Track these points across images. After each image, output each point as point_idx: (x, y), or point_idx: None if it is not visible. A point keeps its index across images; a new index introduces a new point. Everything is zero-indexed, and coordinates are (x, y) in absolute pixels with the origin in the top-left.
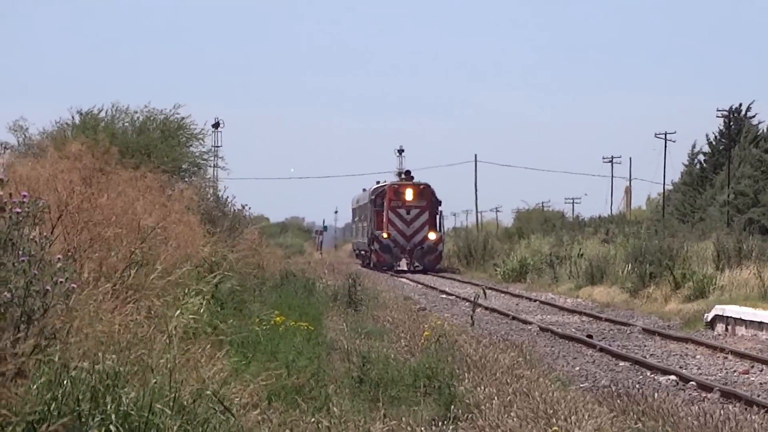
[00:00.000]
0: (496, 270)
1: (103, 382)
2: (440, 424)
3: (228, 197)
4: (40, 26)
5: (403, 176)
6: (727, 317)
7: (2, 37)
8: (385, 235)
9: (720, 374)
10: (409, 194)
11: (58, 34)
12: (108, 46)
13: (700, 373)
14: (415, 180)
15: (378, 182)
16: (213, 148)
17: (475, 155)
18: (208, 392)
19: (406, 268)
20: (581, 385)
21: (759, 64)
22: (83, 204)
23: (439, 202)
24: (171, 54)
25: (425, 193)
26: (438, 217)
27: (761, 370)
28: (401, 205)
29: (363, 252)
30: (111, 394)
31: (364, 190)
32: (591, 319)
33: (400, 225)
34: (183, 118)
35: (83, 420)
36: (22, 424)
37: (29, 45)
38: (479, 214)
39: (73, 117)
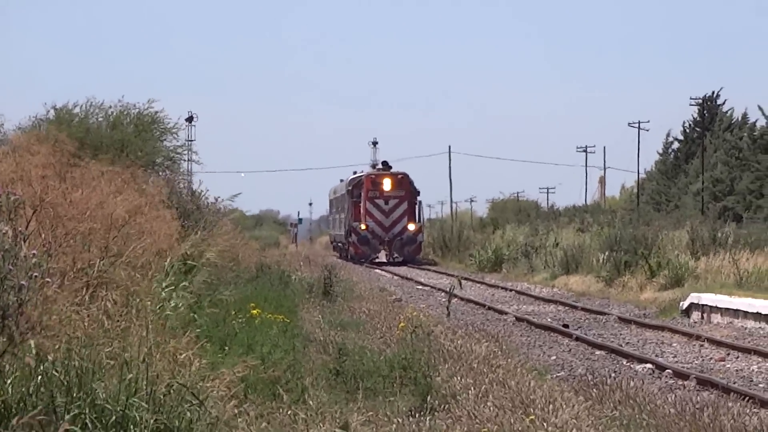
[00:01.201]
0: (471, 260)
1: (77, 376)
2: (417, 414)
3: (202, 190)
4: (15, 22)
5: (380, 166)
6: (703, 305)
7: None
8: (363, 227)
9: (696, 362)
10: (387, 184)
11: (33, 29)
12: (83, 41)
13: (677, 361)
14: (393, 170)
15: (355, 172)
16: (187, 142)
17: (449, 146)
18: (178, 383)
19: (385, 260)
20: (558, 375)
21: (731, 52)
22: (58, 199)
23: (418, 192)
24: (145, 48)
25: (403, 182)
26: (417, 207)
27: (737, 358)
28: (379, 196)
29: (340, 244)
30: (85, 388)
31: (341, 180)
32: (567, 308)
33: (379, 216)
34: (157, 113)
35: (58, 414)
36: None
37: (5, 40)
38: (454, 205)
39: (47, 112)
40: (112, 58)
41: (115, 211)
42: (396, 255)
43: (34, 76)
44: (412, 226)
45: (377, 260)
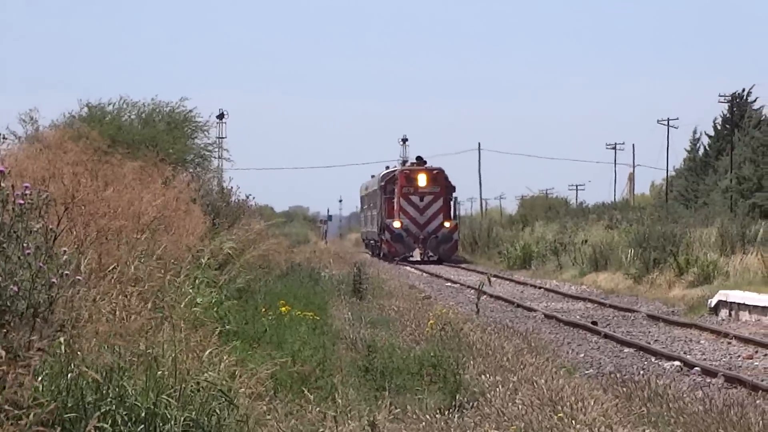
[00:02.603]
0: (500, 258)
1: (107, 373)
2: (446, 412)
3: (232, 188)
4: (52, 20)
5: (414, 161)
6: (731, 302)
7: (22, 30)
8: (396, 224)
9: (724, 359)
10: (422, 180)
11: (69, 27)
12: (115, 38)
13: (705, 359)
14: (428, 165)
15: (387, 167)
16: (218, 140)
17: (479, 143)
18: (206, 380)
19: (419, 259)
20: (586, 372)
21: (762, 48)
22: (89, 196)
23: (454, 188)
24: (176, 44)
25: (439, 178)
26: (453, 203)
27: (765, 355)
28: (414, 192)
29: (373, 242)
30: (115, 385)
31: (373, 176)
32: (595, 305)
33: (413, 213)
34: (189, 111)
35: (88, 412)
36: (28, 416)
37: (43, 38)
38: (483, 202)
39: (81, 109)
40: (145, 55)
41: (143, 207)
42: (431, 253)
43: (70, 73)
44: (447, 224)
45: (411, 259)
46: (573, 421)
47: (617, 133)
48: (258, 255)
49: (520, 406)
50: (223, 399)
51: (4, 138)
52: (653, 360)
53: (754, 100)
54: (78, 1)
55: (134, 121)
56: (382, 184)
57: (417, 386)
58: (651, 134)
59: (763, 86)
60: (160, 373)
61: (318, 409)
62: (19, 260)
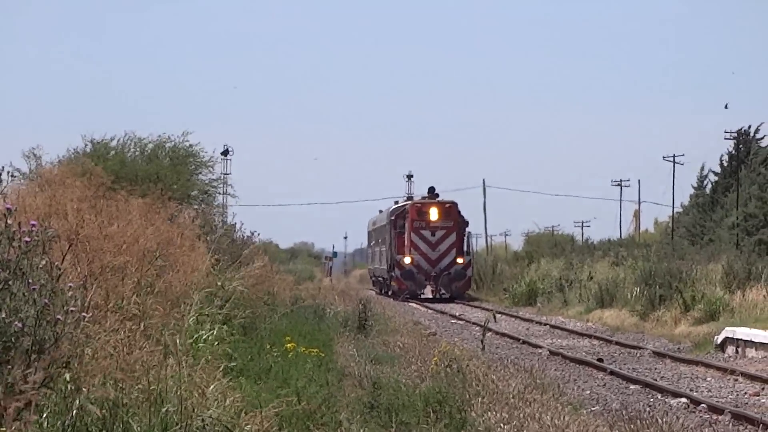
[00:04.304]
0: (506, 294)
1: (112, 410)
2: None
3: (237, 224)
4: (60, 59)
5: (424, 195)
6: (737, 339)
7: (25, 64)
8: (407, 260)
9: (731, 396)
10: (433, 213)
11: (76, 64)
12: (121, 73)
13: (711, 396)
14: (440, 198)
15: (397, 202)
16: (222, 176)
17: (483, 180)
18: (212, 417)
19: (431, 296)
20: (592, 409)
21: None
22: (93, 232)
23: (467, 223)
24: (181, 82)
25: (452, 212)
26: (466, 238)
27: None
28: (425, 226)
29: (381, 279)
30: (121, 422)
31: (381, 211)
32: (601, 342)
33: (425, 248)
34: (191, 146)
35: None
36: None
37: (49, 73)
38: (489, 239)
39: (85, 145)
40: (150, 91)
41: (147, 243)
42: (443, 291)
43: (76, 109)
44: (460, 260)
45: (422, 296)
46: None
47: (623, 170)
48: (262, 291)
49: None
50: None
51: (12, 176)
52: (659, 397)
53: (762, 137)
54: (83, 39)
55: (138, 157)
56: (392, 218)
57: (422, 423)
58: (656, 171)
59: None
60: (165, 409)
61: None
62: (24, 296)
